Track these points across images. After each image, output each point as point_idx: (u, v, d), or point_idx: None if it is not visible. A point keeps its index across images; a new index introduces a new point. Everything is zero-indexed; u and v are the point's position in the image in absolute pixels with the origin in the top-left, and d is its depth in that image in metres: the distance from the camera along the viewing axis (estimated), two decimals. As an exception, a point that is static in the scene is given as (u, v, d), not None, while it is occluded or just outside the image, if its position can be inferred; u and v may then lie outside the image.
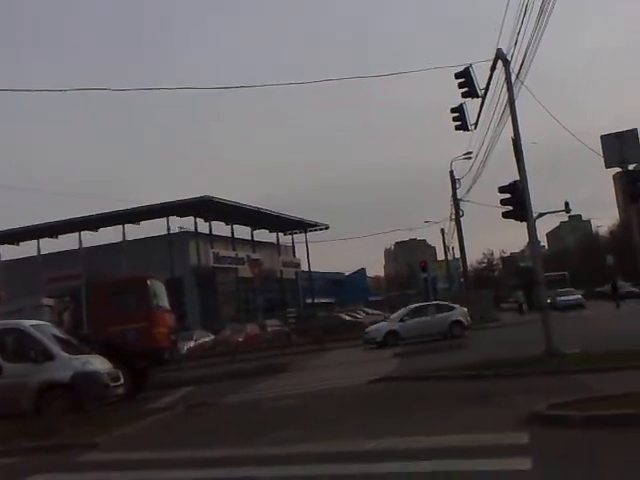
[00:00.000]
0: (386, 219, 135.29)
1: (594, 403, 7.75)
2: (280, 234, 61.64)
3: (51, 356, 12.99)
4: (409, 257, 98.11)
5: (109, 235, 50.18)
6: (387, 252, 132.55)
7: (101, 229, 49.54)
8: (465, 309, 27.59)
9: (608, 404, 7.59)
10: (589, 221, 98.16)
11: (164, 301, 18.25)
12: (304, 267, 62.17)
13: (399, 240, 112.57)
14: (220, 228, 52.15)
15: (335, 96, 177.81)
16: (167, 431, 10.73)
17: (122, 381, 13.94)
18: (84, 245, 48.25)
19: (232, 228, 53.39)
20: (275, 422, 10.01)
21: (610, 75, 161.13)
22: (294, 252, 64.17)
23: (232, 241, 53.31)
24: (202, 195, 45.48)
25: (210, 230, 50.51)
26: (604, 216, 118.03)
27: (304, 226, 60.49)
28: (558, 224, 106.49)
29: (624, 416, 6.99)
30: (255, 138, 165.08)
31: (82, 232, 48.28)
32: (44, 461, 8.69)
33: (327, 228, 62.33)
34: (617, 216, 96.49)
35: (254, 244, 56.22)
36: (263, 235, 58.52)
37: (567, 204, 42.74)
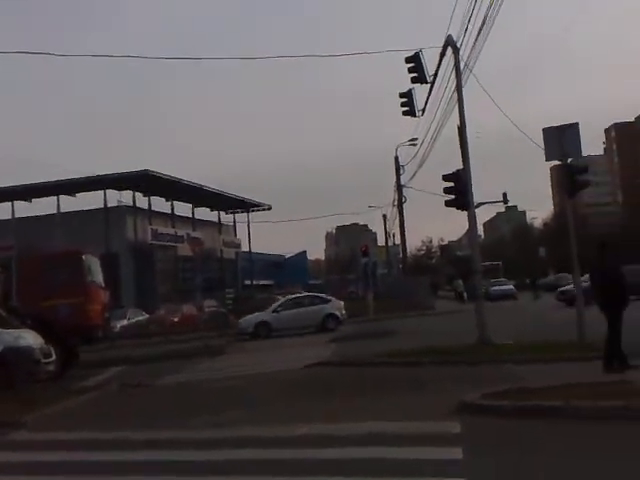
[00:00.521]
0: (329, 203, 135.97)
1: (525, 394, 7.90)
2: (222, 213, 60.89)
3: None
4: (350, 241, 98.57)
5: (43, 206, 48.53)
6: (328, 236, 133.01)
7: (35, 199, 47.80)
8: (342, 303, 27.39)
9: (539, 395, 7.75)
10: (524, 212, 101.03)
11: (99, 277, 17.78)
12: (245, 247, 61.71)
13: (340, 224, 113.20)
14: (160, 204, 51.08)
15: (283, 76, 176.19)
16: (99, 411, 10.47)
17: (54, 357, 13.54)
18: (16, 215, 46.51)
19: (172, 204, 52.33)
20: (211, 405, 9.90)
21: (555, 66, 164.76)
22: (235, 232, 63.56)
23: (172, 218, 52.30)
24: (142, 169, 44.37)
25: (149, 206, 49.39)
26: (539, 208, 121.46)
27: (246, 206, 59.86)
28: (495, 214, 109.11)
29: (554, 407, 7.16)
30: (202, 117, 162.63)
31: (14, 202, 46.50)
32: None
33: (270, 209, 61.88)
34: (551, 208, 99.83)
35: (194, 222, 55.28)
36: (204, 213, 57.67)
37: (505, 195, 43.86)
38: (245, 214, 60.85)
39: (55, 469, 6.65)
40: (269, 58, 58.21)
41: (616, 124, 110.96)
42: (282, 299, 29.21)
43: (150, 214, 49.22)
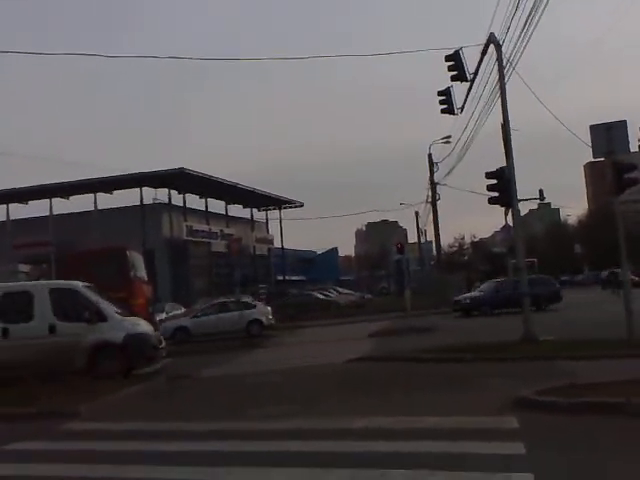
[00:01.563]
0: (361, 200, 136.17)
1: (579, 390, 7.86)
2: (254, 210, 61.28)
3: (104, 317, 13.25)
4: (380, 238, 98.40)
5: (81, 203, 49.36)
6: (358, 232, 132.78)
7: (73, 197, 48.63)
8: (269, 308, 26.95)
9: (592, 391, 7.73)
10: (558, 209, 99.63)
11: (142, 272, 18.09)
12: (277, 244, 62.00)
13: (371, 221, 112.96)
14: (194, 201, 51.63)
15: (316, 74, 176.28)
16: (151, 402, 10.67)
17: (164, 344, 14.39)
18: (54, 212, 47.36)
19: (206, 202, 52.85)
20: (260, 397, 10.02)
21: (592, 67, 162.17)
22: (268, 229, 63.93)
23: (206, 215, 52.82)
24: (177, 167, 44.87)
25: (184, 203, 49.93)
26: (573, 205, 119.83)
27: (279, 203, 60.18)
28: (527, 211, 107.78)
29: (613, 404, 7.13)
30: (235, 114, 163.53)
31: (53, 199, 47.35)
32: (25, 429, 8.57)
33: (302, 206, 62.14)
34: (585, 205, 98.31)
35: (228, 219, 55.78)
36: (237, 210, 58.15)
37: (541, 192, 43.24)
38: (277, 211, 61.18)
39: (106, 458, 6.75)
40: (303, 59, 58.18)
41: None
42: (204, 305, 27.97)
43: (185, 211, 49.77)
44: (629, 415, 6.87)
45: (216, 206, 54.63)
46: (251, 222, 60.82)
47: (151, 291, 19.24)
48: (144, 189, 47.11)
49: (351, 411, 8.21)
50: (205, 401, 10.47)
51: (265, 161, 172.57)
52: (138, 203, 46.99)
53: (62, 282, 14.31)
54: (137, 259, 18.14)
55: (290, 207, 61.69)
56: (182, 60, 46.06)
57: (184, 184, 47.81)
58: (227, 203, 55.67)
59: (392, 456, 5.99)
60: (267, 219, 63.41)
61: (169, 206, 48.48)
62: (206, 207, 53.00)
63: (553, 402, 7.53)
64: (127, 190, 48.02)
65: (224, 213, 55.93)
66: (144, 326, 13.95)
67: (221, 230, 52.43)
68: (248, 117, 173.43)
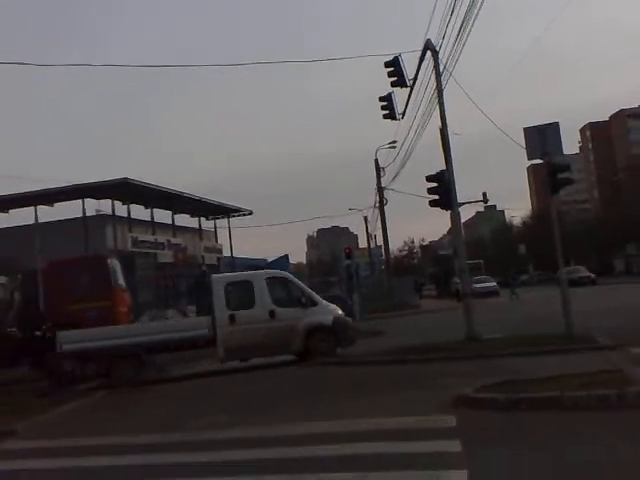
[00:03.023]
0: (310, 206, 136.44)
1: (519, 386, 7.98)
2: (203, 219, 60.65)
3: (315, 302, 14.87)
4: (331, 244, 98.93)
5: (20, 217, 47.97)
6: (309, 239, 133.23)
7: (12, 210, 47.22)
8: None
9: (532, 387, 7.85)
10: (503, 211, 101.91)
11: (122, 280, 17.83)
12: (226, 253, 61.46)
13: (321, 227, 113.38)
14: (140, 212, 50.75)
15: (260, 82, 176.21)
16: (90, 416, 10.40)
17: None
18: (-7, 226, 45.85)
19: (152, 212, 52.00)
20: (201, 408, 9.87)
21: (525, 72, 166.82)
22: (216, 237, 63.30)
23: (152, 225, 51.98)
24: (121, 177, 44.05)
25: (128, 213, 49.02)
26: (517, 207, 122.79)
27: (227, 211, 59.66)
28: (474, 213, 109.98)
29: (549, 398, 7.25)
30: (182, 123, 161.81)
31: (-9, 213, 45.88)
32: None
33: (251, 214, 61.70)
34: (529, 207, 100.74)
35: (175, 229, 55.02)
36: (184, 220, 57.41)
37: (485, 195, 44.21)
38: (226, 220, 60.72)
39: (43, 476, 6.57)
40: (253, 64, 58.06)
41: (591, 124, 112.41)
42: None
43: (130, 222, 48.86)
44: (564, 409, 7.00)
45: (163, 216, 53.87)
46: (199, 231, 60.17)
47: (130, 299, 18.89)
48: (87, 200, 46.07)
49: (295, 417, 8.16)
50: (145, 414, 10.25)
51: (213, 170, 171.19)
52: (80, 215, 45.92)
53: (275, 271, 16.33)
54: (117, 266, 17.88)
55: (239, 215, 61.28)
56: (127, 68, 45.14)
57: (128, 194, 46.94)
58: (174, 213, 54.90)
59: (330, 460, 5.96)
60: (215, 228, 62.82)
61: (113, 217, 47.52)
62: (152, 217, 52.14)
63: (492, 399, 7.61)
64: (69, 202, 46.87)
65: (171, 223, 55.17)
66: (340, 310, 15.45)
67: (168, 240, 51.65)
68: (195, 126, 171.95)
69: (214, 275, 16.00)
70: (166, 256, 48.55)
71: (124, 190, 45.46)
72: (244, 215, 61.13)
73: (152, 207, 51.63)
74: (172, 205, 52.68)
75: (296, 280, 15.37)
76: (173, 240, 51.89)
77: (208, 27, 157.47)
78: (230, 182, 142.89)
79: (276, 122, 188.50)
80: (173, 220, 55.33)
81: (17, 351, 15.68)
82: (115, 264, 17.77)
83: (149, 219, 51.89)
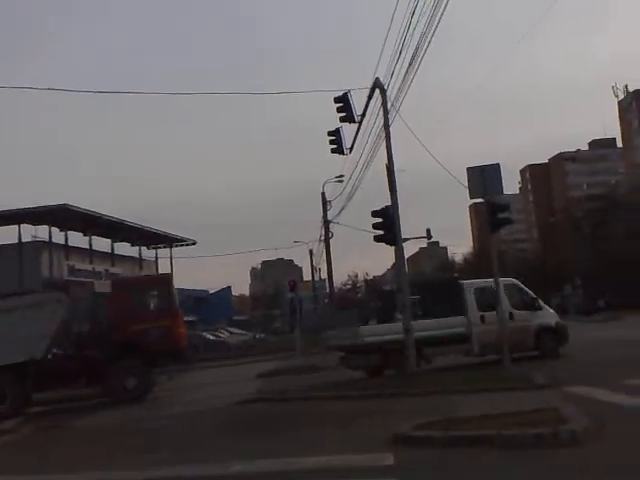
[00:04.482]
0: (255, 238, 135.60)
1: (456, 424, 7.97)
2: (144, 248, 59.48)
3: (540, 306, 17.50)
4: (275, 277, 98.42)
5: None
6: (253, 271, 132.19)
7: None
8: None
9: (469, 425, 7.85)
10: (446, 248, 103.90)
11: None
12: (167, 283, 60.29)
13: (266, 259, 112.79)
14: (78, 239, 49.40)
15: (213, 111, 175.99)
16: (15, 454, 9.86)
17: None
18: None
19: (90, 239, 50.69)
20: (137, 445, 9.49)
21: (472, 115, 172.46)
22: (157, 267, 62.11)
23: (90, 253, 50.65)
24: (59, 203, 42.92)
25: (66, 240, 47.67)
26: (459, 244, 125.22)
27: (169, 241, 58.74)
28: (418, 249, 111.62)
29: (485, 437, 7.26)
30: (121, 151, 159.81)
31: None
32: None
33: (194, 244, 60.93)
34: (471, 244, 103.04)
35: (114, 257, 53.76)
36: (125, 248, 56.17)
37: (428, 231, 45.10)
38: (168, 249, 59.74)
39: None
40: (197, 94, 57.95)
41: (530, 165, 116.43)
42: None
43: (67, 249, 47.52)
44: (501, 447, 7.00)
45: (102, 244, 52.59)
46: (139, 260, 58.96)
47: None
48: (23, 226, 44.63)
49: (231, 455, 7.92)
50: (78, 452, 9.79)
51: (155, 199, 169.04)
52: (16, 241, 44.43)
53: (506, 279, 17.37)
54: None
55: (182, 245, 60.43)
56: (68, 93, 44.48)
57: (66, 221, 45.69)
58: (113, 241, 53.69)
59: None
60: (157, 257, 61.66)
61: (49, 244, 46.13)
62: (90, 245, 50.84)
63: (429, 437, 7.57)
64: (4, 227, 45.33)
65: (110, 251, 53.89)
66: None
67: (106, 270, 50.32)
68: (139, 153, 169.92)
69: (465, 282, 17.89)
70: (104, 286, 47.29)
71: (63, 216, 44.25)
72: (187, 245, 60.35)
73: (91, 234, 50.40)
74: (112, 233, 51.56)
75: (525, 287, 17.64)
76: (112, 269, 50.64)
77: (160, 51, 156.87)
78: (175, 211, 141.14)
79: (222, 152, 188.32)
80: (112, 248, 54.10)
81: (76, 370, 16.17)
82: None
83: (87, 247, 50.61)
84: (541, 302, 17.61)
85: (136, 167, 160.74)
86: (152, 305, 17.00)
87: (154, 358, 16.47)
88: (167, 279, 18.88)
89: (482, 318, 16.46)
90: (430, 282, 26.16)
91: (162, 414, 13.01)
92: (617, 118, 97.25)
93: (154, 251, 61.04)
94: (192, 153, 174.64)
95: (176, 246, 59.95)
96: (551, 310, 18.17)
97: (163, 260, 60.61)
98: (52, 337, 15.62)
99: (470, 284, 17.54)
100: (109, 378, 15.69)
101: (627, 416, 8.39)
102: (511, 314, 16.30)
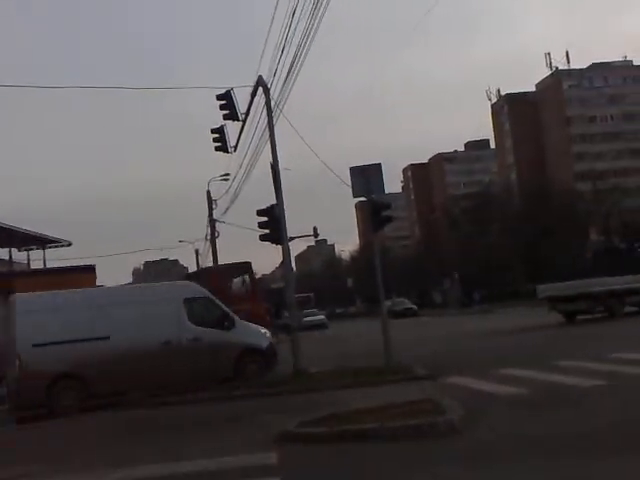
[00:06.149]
0: (137, 238, 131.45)
1: (341, 419, 8.06)
2: (15, 250, 56.06)
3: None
4: (160, 277, 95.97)
5: None
6: (136, 272, 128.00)
7: None
8: None
9: (354, 419, 7.97)
10: (333, 245, 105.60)
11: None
12: (44, 286, 57.29)
13: (150, 259, 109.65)
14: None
15: (103, 106, 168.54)
16: None
17: None
18: None
19: (-46, 241, 47.22)
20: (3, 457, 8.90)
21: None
22: (31, 270, 58.81)
23: (-45, 256, 47.17)
24: None
25: None
26: (346, 241, 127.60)
27: (42, 242, 55.79)
28: (306, 247, 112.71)
29: (369, 430, 7.40)
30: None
31: None
32: None
33: (70, 245, 58.13)
34: (357, 241, 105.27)
35: (-19, 260, 50.35)
36: (-6, 250, 52.70)
37: (315, 229, 45.55)
38: (41, 251, 56.65)
39: None
40: (83, 88, 55.37)
41: (412, 164, 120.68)
42: None
43: None
44: (385, 439, 7.16)
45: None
46: (9, 263, 55.57)
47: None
48: None
49: (111, 462, 7.59)
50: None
51: (30, 197, 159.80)
52: None
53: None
54: None
55: (56, 246, 57.51)
56: None
57: None
58: (-19, 242, 50.27)
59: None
60: (29, 259, 58.34)
61: None
62: (-44, 247, 47.36)
63: (313, 433, 7.63)
64: None
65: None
66: None
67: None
68: (22, 149, 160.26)
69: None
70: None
71: None
72: (62, 246, 57.52)
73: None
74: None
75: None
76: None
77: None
78: (47, 211, 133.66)
79: (102, 149, 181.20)
80: (-21, 251, 50.63)
81: None
82: None
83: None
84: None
85: (6, 166, 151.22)
86: (238, 289, 18.77)
87: None
88: (249, 265, 20.64)
89: None
90: None
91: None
92: (490, 120, 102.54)
93: (25, 253, 57.77)
94: (62, 152, 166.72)
95: (50, 247, 57.00)
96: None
97: (36, 263, 57.48)
98: None
99: None
100: None
101: (500, 404, 8.85)
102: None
